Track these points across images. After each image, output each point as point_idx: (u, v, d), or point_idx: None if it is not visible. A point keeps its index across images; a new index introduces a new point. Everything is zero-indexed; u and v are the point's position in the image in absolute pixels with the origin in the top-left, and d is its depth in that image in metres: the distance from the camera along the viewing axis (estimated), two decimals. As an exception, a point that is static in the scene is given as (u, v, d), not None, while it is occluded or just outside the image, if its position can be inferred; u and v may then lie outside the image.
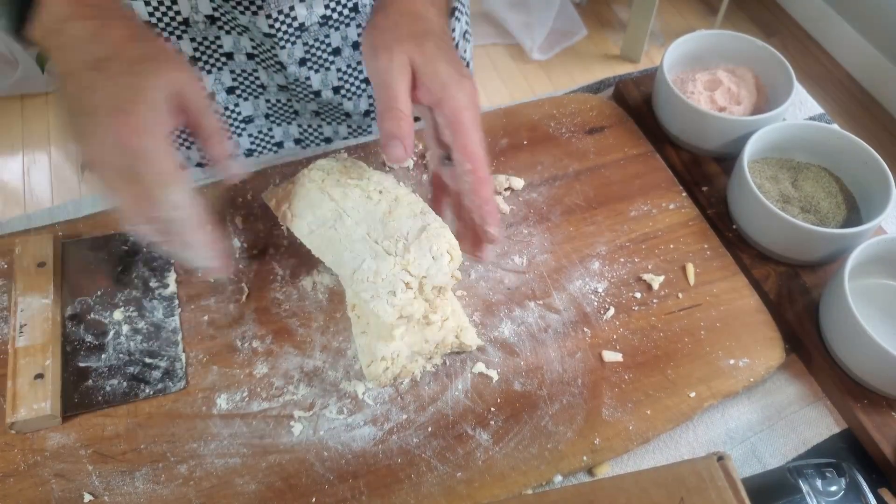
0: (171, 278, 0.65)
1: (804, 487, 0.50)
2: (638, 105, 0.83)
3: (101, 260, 0.65)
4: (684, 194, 0.74)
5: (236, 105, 0.83)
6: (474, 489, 0.55)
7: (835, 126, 0.75)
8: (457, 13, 0.83)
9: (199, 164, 0.82)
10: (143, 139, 0.48)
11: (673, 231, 0.71)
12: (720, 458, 0.47)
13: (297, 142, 0.89)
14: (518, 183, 0.73)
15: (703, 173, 0.77)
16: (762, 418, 0.62)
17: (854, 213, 0.70)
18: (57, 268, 0.64)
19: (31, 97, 2.23)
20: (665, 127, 0.80)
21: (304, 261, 0.66)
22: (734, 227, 0.72)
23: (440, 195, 0.63)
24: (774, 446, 0.60)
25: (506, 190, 0.73)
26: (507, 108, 0.81)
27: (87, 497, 0.53)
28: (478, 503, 0.54)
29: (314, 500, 0.54)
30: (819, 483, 0.50)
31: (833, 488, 0.50)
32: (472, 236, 0.59)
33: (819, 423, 0.62)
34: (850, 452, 0.60)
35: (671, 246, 0.70)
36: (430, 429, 0.58)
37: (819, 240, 0.66)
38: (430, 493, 0.54)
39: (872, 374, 0.59)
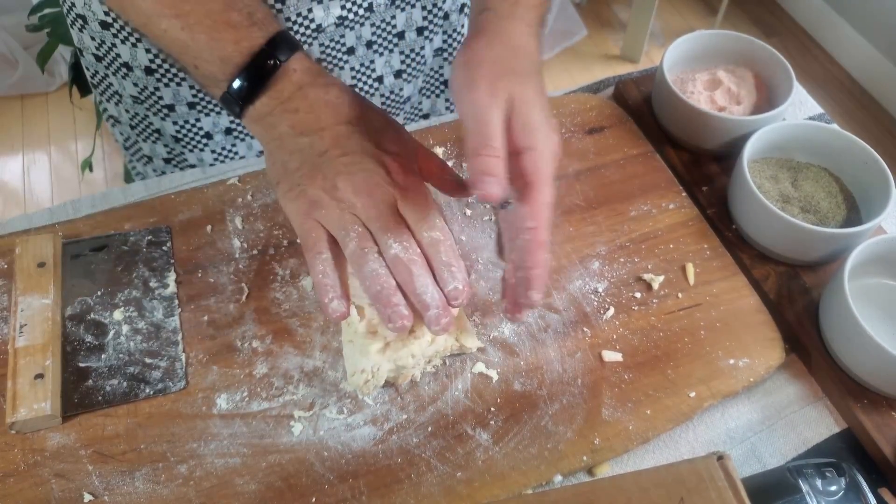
0: (171, 278, 0.65)
1: (804, 487, 0.50)
2: (638, 105, 0.83)
3: (101, 260, 0.65)
4: (684, 194, 0.75)
5: (233, 146, 0.84)
6: (474, 489, 0.55)
7: (835, 126, 0.75)
8: None
9: (190, 104, 0.83)
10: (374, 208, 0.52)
11: (673, 231, 0.71)
12: (720, 458, 0.47)
13: None
14: None
15: (703, 173, 0.77)
16: (762, 418, 0.62)
17: (854, 212, 0.70)
18: (57, 268, 0.64)
19: (31, 97, 2.23)
20: (665, 127, 0.80)
21: (304, 261, 0.66)
22: (734, 227, 0.72)
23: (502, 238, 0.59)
24: (774, 446, 0.60)
25: None
26: (506, 108, 0.81)
27: (87, 497, 0.53)
28: (478, 503, 0.54)
29: (314, 499, 0.54)
30: (819, 483, 0.50)
31: (833, 488, 0.50)
32: (510, 294, 0.55)
33: (819, 423, 0.62)
34: (850, 452, 0.60)
35: (671, 246, 0.70)
36: (430, 429, 0.58)
37: (819, 240, 0.66)
38: (430, 493, 0.54)
39: (872, 374, 0.59)
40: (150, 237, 0.67)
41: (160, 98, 0.80)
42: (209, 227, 0.69)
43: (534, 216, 0.51)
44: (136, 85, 0.79)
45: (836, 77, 2.46)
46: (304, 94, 0.53)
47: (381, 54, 0.83)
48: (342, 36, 0.77)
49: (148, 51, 0.75)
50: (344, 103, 0.54)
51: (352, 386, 0.57)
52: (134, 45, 0.74)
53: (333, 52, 0.78)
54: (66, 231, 0.67)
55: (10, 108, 2.21)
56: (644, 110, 0.82)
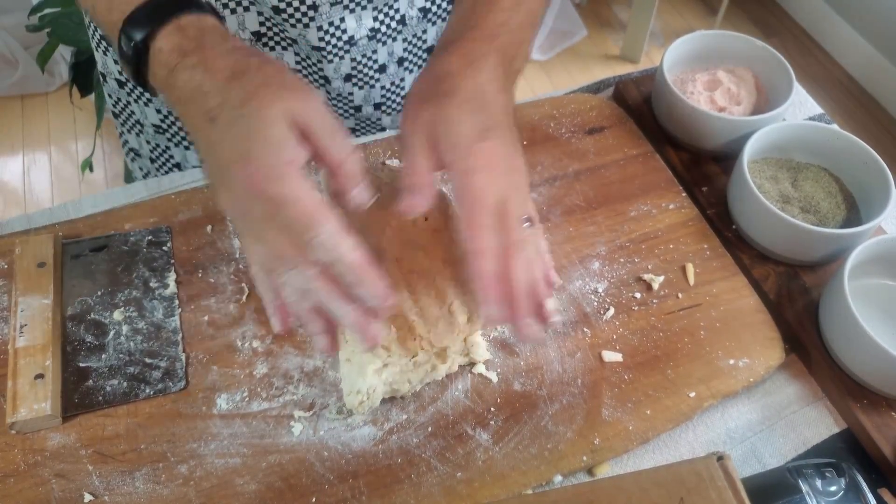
0: (171, 278, 0.65)
1: (804, 487, 0.50)
2: (638, 105, 0.83)
3: (101, 260, 0.65)
4: (684, 194, 0.75)
5: None
6: (474, 489, 0.55)
7: (834, 126, 0.75)
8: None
9: (197, 167, 0.82)
10: (276, 185, 0.45)
11: (673, 231, 0.71)
12: (720, 458, 0.47)
13: None
14: None
15: (703, 173, 0.77)
16: (762, 418, 0.62)
17: (854, 213, 0.70)
18: (57, 268, 0.64)
19: (31, 97, 2.23)
20: (665, 127, 0.80)
21: (304, 261, 0.66)
22: (734, 227, 0.72)
23: None
24: (774, 446, 0.60)
25: None
26: (506, 108, 0.81)
27: (88, 497, 0.53)
28: (478, 503, 0.54)
29: (314, 499, 0.54)
30: (819, 483, 0.50)
31: (833, 488, 0.50)
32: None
33: (819, 423, 0.62)
34: (850, 452, 0.60)
35: (671, 246, 0.70)
36: (430, 429, 0.58)
37: (819, 240, 0.66)
38: (430, 493, 0.54)
39: (872, 374, 0.59)
40: (150, 237, 0.67)
41: (181, 128, 0.79)
42: (209, 227, 0.69)
43: (465, 227, 0.48)
44: (158, 112, 0.78)
45: (836, 77, 2.46)
46: (174, 81, 0.49)
47: (412, 71, 0.82)
48: (374, 52, 0.76)
49: None
50: (209, 90, 0.48)
51: (348, 405, 0.56)
52: None
53: (365, 69, 0.77)
54: (66, 231, 0.67)
55: (11, 108, 2.21)
56: (644, 110, 0.82)
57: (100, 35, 0.74)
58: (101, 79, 0.81)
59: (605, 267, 0.68)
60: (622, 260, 0.69)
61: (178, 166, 0.81)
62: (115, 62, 0.75)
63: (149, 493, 0.54)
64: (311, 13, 0.69)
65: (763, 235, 0.69)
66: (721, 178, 0.76)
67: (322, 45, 0.72)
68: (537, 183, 0.74)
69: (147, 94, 0.76)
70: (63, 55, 2.15)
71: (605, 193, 0.74)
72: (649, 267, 0.68)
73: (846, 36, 2.44)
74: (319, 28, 0.71)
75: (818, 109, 0.87)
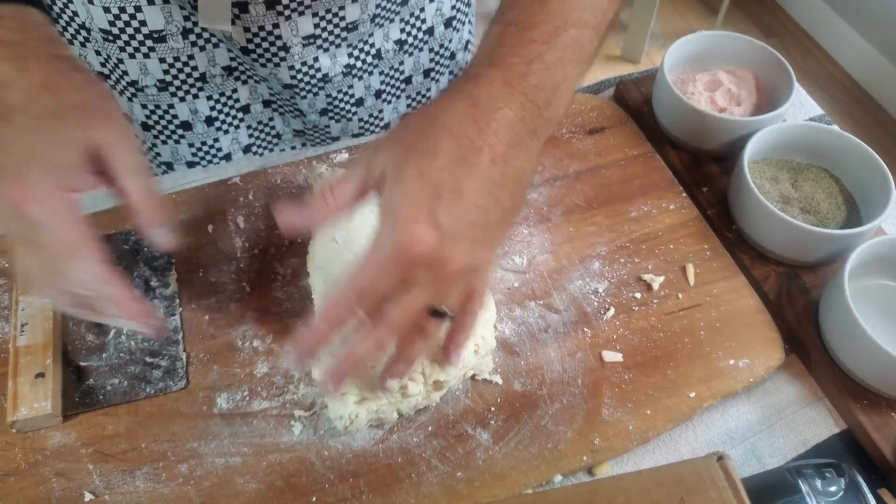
0: (172, 278, 0.65)
1: (804, 487, 0.50)
2: (638, 106, 0.83)
3: (101, 259, 0.65)
4: (684, 195, 0.75)
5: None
6: (474, 489, 0.55)
7: (835, 127, 0.76)
8: (455, 23, 0.83)
9: (189, 164, 0.82)
10: (37, 207, 0.43)
11: (673, 231, 0.71)
12: (720, 458, 0.47)
13: None
14: None
15: (703, 174, 0.77)
16: (762, 418, 0.62)
17: (854, 213, 0.70)
18: (58, 267, 0.64)
19: (31, 96, 2.23)
20: (665, 127, 0.80)
21: (305, 261, 0.66)
22: (734, 227, 0.72)
23: None
24: (774, 446, 0.60)
25: None
26: (507, 108, 0.81)
27: (88, 496, 0.53)
28: (478, 503, 0.54)
29: (314, 499, 0.54)
30: (819, 483, 0.50)
31: (833, 488, 0.50)
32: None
33: (819, 424, 0.62)
34: (850, 453, 0.60)
35: (671, 246, 0.70)
36: (430, 428, 0.58)
37: (819, 240, 0.66)
38: (430, 493, 0.54)
39: (872, 374, 0.59)
40: (150, 237, 0.67)
41: (158, 154, 0.79)
42: (210, 227, 0.69)
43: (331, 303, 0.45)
44: (144, 108, 0.78)
45: (836, 77, 2.46)
46: None
47: (390, 102, 0.81)
48: (350, 87, 0.75)
49: (144, 106, 0.73)
50: (17, 87, 0.45)
51: (335, 425, 0.56)
52: (130, 99, 0.73)
53: (341, 105, 0.76)
54: (66, 230, 0.67)
55: (11, 108, 2.21)
56: (644, 111, 0.82)
57: (76, 25, 0.73)
58: None
59: (605, 267, 0.68)
60: (622, 260, 0.69)
61: (167, 164, 0.81)
62: (97, 52, 0.74)
63: (149, 493, 0.54)
64: (281, 53, 0.68)
65: (763, 236, 0.69)
66: (721, 179, 0.76)
67: (294, 82, 0.71)
68: (537, 183, 0.74)
69: (130, 89, 0.74)
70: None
71: (605, 193, 0.74)
72: (649, 267, 0.68)
73: (846, 36, 2.44)
74: (291, 67, 0.70)
75: (818, 110, 0.87)
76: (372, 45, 0.74)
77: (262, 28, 0.66)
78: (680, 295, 0.67)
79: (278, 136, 0.81)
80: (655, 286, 0.67)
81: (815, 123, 0.74)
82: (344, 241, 0.59)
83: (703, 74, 0.81)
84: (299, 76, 0.71)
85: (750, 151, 0.69)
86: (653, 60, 2.44)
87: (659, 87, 0.79)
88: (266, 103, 0.77)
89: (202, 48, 0.69)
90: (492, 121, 0.43)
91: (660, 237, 0.71)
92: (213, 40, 0.68)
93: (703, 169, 0.77)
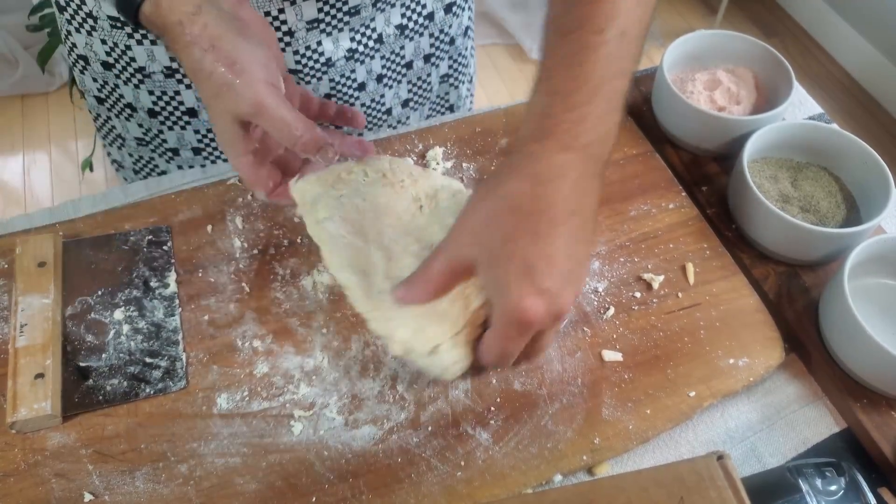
0: (172, 278, 0.65)
1: (804, 487, 0.50)
2: (637, 105, 0.83)
3: (101, 260, 0.65)
4: (684, 194, 0.75)
5: None
6: (474, 488, 0.55)
7: (834, 126, 0.75)
8: (455, 9, 0.83)
9: (195, 150, 0.82)
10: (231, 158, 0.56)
11: (673, 231, 0.71)
12: (720, 458, 0.47)
13: None
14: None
15: (703, 173, 0.77)
16: (762, 418, 0.62)
17: (853, 212, 0.70)
18: (57, 267, 0.64)
19: (31, 97, 2.23)
20: (665, 127, 0.80)
21: (304, 260, 0.66)
22: (734, 226, 0.72)
23: None
24: (774, 446, 0.60)
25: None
26: (507, 108, 0.81)
27: (88, 496, 0.53)
28: (478, 502, 0.54)
29: (314, 499, 0.54)
30: (819, 482, 0.50)
31: (833, 488, 0.50)
32: None
33: (819, 423, 0.62)
34: (850, 452, 0.60)
35: (671, 245, 0.70)
36: (430, 428, 0.58)
37: (818, 239, 0.66)
38: (430, 493, 0.54)
39: (872, 373, 0.59)
40: (150, 237, 0.67)
41: (164, 141, 0.79)
42: (209, 227, 0.69)
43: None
44: (140, 126, 0.79)
45: (836, 77, 2.46)
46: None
47: (391, 87, 0.82)
48: (353, 71, 0.76)
49: (151, 93, 0.75)
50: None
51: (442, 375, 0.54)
52: (136, 86, 0.74)
53: (344, 89, 0.78)
54: (66, 231, 0.67)
55: (11, 108, 2.21)
56: (644, 110, 0.82)
57: (76, 55, 0.74)
58: (81, 96, 0.81)
59: (605, 266, 0.68)
60: (622, 259, 0.69)
61: (173, 150, 0.82)
62: (94, 80, 0.75)
63: (149, 493, 0.54)
64: (286, 38, 0.69)
65: (763, 235, 0.69)
66: (721, 178, 0.76)
67: (299, 67, 0.72)
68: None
69: (127, 111, 0.76)
70: (63, 55, 2.15)
71: (605, 193, 0.73)
72: (649, 266, 0.68)
73: (846, 36, 2.44)
74: (296, 52, 0.71)
75: (818, 109, 0.87)
76: (374, 30, 0.75)
77: (268, 13, 0.67)
78: (680, 294, 0.66)
79: None
80: (655, 285, 0.67)
81: (815, 122, 0.74)
82: (351, 233, 0.59)
83: (702, 73, 0.81)
84: (304, 61, 0.72)
85: (749, 150, 0.69)
86: (652, 59, 2.42)
87: (658, 87, 0.79)
88: None
89: None
90: (558, 190, 0.46)
91: (659, 236, 0.71)
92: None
93: (703, 168, 0.77)
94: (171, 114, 0.76)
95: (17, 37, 2.14)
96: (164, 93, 0.75)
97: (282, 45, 0.70)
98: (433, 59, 0.84)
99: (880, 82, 2.35)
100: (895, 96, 2.31)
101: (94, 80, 0.75)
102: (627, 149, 0.78)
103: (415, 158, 0.75)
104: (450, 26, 0.82)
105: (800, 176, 0.73)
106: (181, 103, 0.76)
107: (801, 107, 0.87)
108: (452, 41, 0.84)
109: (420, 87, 0.86)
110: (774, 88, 0.78)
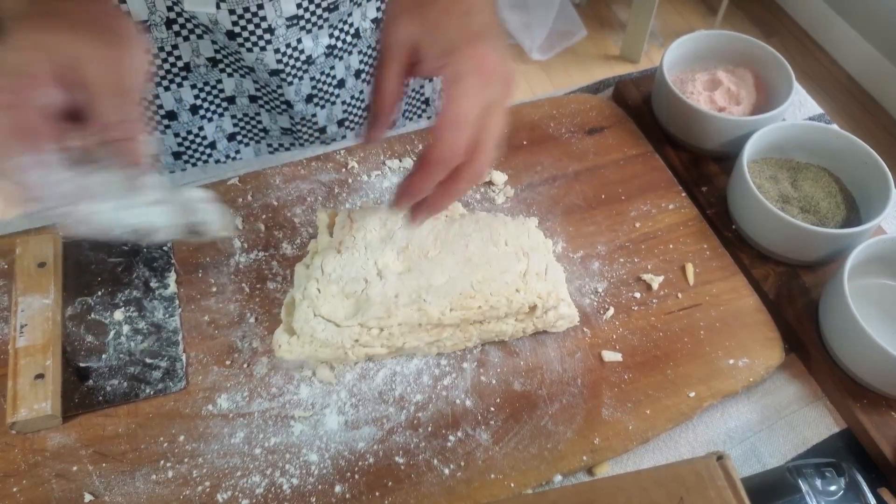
0: (172, 278, 0.65)
1: (804, 487, 0.50)
2: (638, 105, 0.83)
3: (101, 260, 0.65)
4: (684, 194, 0.75)
5: (237, 151, 0.84)
6: (474, 489, 0.55)
7: (834, 126, 0.75)
8: None
9: (175, 154, 0.81)
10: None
11: (672, 231, 0.71)
12: (720, 458, 0.47)
13: None
14: (499, 177, 0.73)
15: (703, 173, 0.77)
16: (762, 418, 0.62)
17: (853, 213, 0.70)
18: (57, 268, 0.64)
19: (31, 97, 2.23)
20: (665, 127, 0.80)
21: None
22: (733, 227, 0.72)
23: None
24: (774, 446, 0.60)
25: (488, 184, 0.73)
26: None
27: (88, 497, 0.53)
28: (478, 503, 0.54)
29: (314, 499, 0.54)
30: (818, 482, 0.50)
31: (832, 488, 0.50)
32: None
33: (818, 423, 0.62)
34: (850, 452, 0.60)
35: (671, 246, 0.70)
36: (430, 429, 0.58)
37: (818, 240, 0.66)
38: (430, 493, 0.54)
39: (872, 374, 0.59)
40: (150, 237, 0.67)
41: (161, 106, 0.79)
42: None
43: (437, 135, 0.48)
44: None
45: (836, 77, 2.46)
46: None
47: (369, 82, 0.83)
48: (332, 67, 0.77)
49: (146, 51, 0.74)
50: None
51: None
52: None
53: (325, 87, 0.78)
54: (66, 231, 0.67)
55: (11, 109, 2.21)
56: (644, 110, 0.82)
57: None
58: None
59: (604, 267, 0.68)
60: (622, 260, 0.69)
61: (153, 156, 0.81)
62: None
63: (149, 493, 0.54)
64: (267, 36, 0.69)
65: (763, 235, 0.69)
66: (721, 178, 0.76)
67: (280, 66, 0.72)
68: (537, 183, 0.74)
69: None
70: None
71: (605, 193, 0.74)
72: (649, 267, 0.68)
73: (846, 36, 2.44)
74: (276, 50, 0.71)
75: (818, 109, 0.87)
76: (351, 25, 0.75)
77: (247, 10, 0.67)
78: (679, 295, 0.66)
79: (265, 130, 0.82)
80: (655, 286, 0.67)
81: (815, 123, 0.74)
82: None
83: (702, 74, 0.81)
84: (285, 59, 0.72)
85: (749, 151, 0.69)
86: (652, 60, 2.44)
87: (658, 87, 0.79)
88: (252, 98, 0.78)
89: (186, 38, 0.70)
90: None
91: (659, 237, 0.71)
92: (198, 31, 0.69)
93: (703, 168, 0.77)
94: (150, 118, 0.76)
95: (17, 37, 2.13)
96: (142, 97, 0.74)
97: (262, 43, 0.69)
98: None
99: (880, 82, 2.35)
100: (895, 96, 2.31)
101: None
102: (627, 149, 0.78)
103: (415, 158, 0.75)
104: None
105: (800, 176, 0.73)
106: (160, 107, 0.75)
107: (801, 107, 0.87)
108: None
109: None
110: (774, 89, 0.78)
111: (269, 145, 0.84)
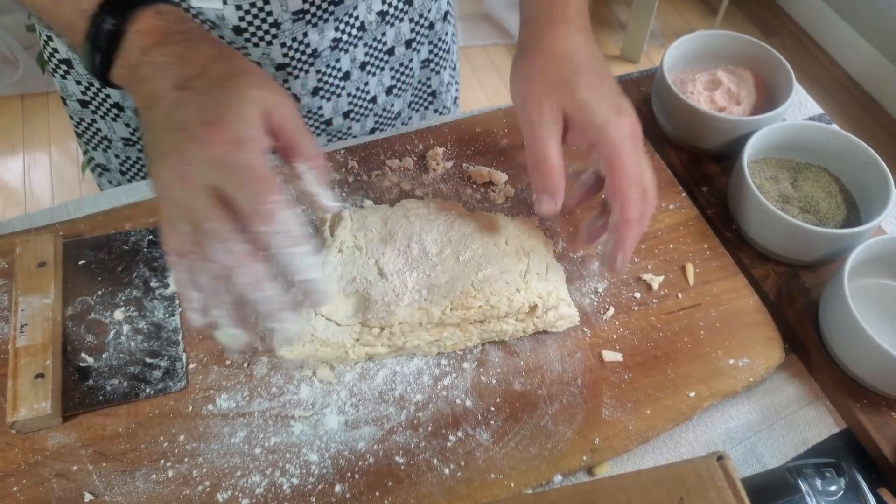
0: (172, 278, 0.65)
1: (804, 487, 0.50)
2: (638, 105, 0.83)
3: (101, 260, 0.65)
4: (684, 194, 0.75)
5: None
6: (474, 489, 0.55)
7: (834, 126, 0.75)
8: None
9: None
10: (239, 150, 0.44)
11: (672, 231, 0.71)
12: (720, 458, 0.47)
13: None
14: (499, 177, 0.73)
15: (703, 173, 0.77)
16: (762, 418, 0.62)
17: (853, 213, 0.70)
18: (57, 267, 0.64)
19: (31, 97, 2.23)
20: (665, 127, 0.80)
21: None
22: (733, 227, 0.72)
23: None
24: (774, 446, 0.60)
25: (488, 184, 0.73)
26: (507, 108, 0.80)
27: (88, 497, 0.53)
28: (478, 503, 0.54)
29: (314, 499, 0.54)
30: (818, 483, 0.50)
31: (832, 488, 0.50)
32: (605, 259, 0.61)
33: (818, 423, 0.62)
34: (850, 452, 0.60)
35: (671, 246, 0.70)
36: (430, 428, 0.58)
37: (818, 240, 0.66)
38: (430, 493, 0.54)
39: (872, 374, 0.59)
40: (150, 237, 0.67)
41: None
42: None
43: (618, 196, 0.56)
44: (127, 126, 0.78)
45: (836, 77, 2.46)
46: (148, 59, 0.48)
47: (374, 74, 0.83)
48: (337, 60, 0.77)
49: None
50: (190, 62, 0.48)
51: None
52: None
53: (330, 80, 0.78)
54: (66, 231, 0.67)
55: (11, 108, 2.21)
56: (644, 110, 0.82)
57: (58, 59, 0.74)
58: (62, 102, 0.81)
59: (604, 267, 0.68)
60: (622, 260, 0.69)
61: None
62: (78, 83, 0.75)
63: (149, 493, 0.54)
64: (273, 31, 0.69)
65: (763, 235, 0.69)
66: (721, 178, 0.76)
67: (287, 60, 0.72)
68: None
69: (114, 111, 0.76)
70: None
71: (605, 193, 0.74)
72: (649, 267, 0.68)
73: (846, 36, 2.44)
74: (283, 45, 0.71)
75: (818, 109, 0.87)
76: (356, 18, 0.75)
77: (253, 5, 0.67)
78: (679, 295, 0.66)
79: None
80: (655, 286, 0.67)
81: (815, 123, 0.74)
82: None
83: (702, 74, 0.81)
84: (291, 53, 0.72)
85: (749, 151, 0.69)
86: (652, 60, 2.44)
87: (658, 87, 0.79)
88: None
89: None
90: (585, 48, 0.57)
91: (659, 237, 0.71)
92: (204, 27, 0.69)
93: (703, 168, 0.77)
94: None
95: (17, 37, 2.14)
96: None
97: (268, 38, 0.70)
98: (414, 45, 0.84)
99: (880, 82, 2.36)
100: (895, 96, 2.31)
101: (79, 82, 0.75)
102: (627, 149, 0.78)
103: (415, 159, 0.75)
104: (429, 11, 0.83)
105: (800, 176, 0.73)
106: None
107: (801, 107, 0.87)
108: (432, 26, 0.85)
109: (402, 73, 0.87)
110: (774, 89, 0.78)
111: None
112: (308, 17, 0.71)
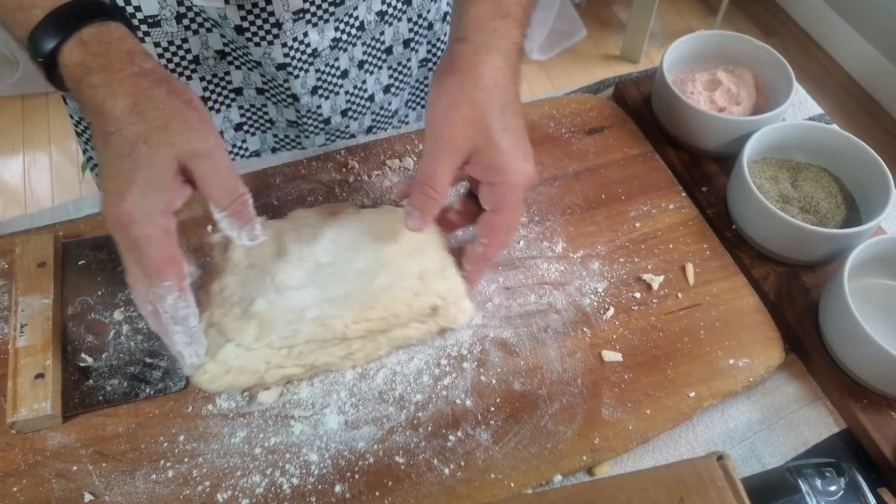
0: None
1: (804, 487, 0.50)
2: (638, 105, 0.83)
3: (101, 260, 0.65)
4: (684, 194, 0.75)
5: (244, 141, 0.84)
6: (474, 489, 0.55)
7: (834, 126, 0.75)
8: None
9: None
10: (135, 228, 0.49)
11: (672, 231, 0.71)
12: (720, 458, 0.47)
13: None
14: None
15: (703, 173, 0.77)
16: (762, 418, 0.62)
17: (853, 213, 0.70)
18: (57, 268, 0.64)
19: (31, 97, 2.23)
20: (665, 127, 0.80)
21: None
22: (733, 227, 0.72)
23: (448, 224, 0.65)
24: (774, 446, 0.60)
25: None
26: (507, 108, 0.81)
27: (88, 497, 0.53)
28: (478, 503, 0.54)
29: (314, 499, 0.54)
30: (818, 483, 0.50)
31: (832, 488, 0.50)
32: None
33: (818, 423, 0.62)
34: (850, 452, 0.60)
35: (671, 246, 0.70)
36: (430, 428, 0.58)
37: (818, 240, 0.66)
38: (429, 493, 0.54)
39: (872, 373, 0.59)
40: (150, 237, 0.67)
41: None
42: (209, 227, 0.69)
43: (490, 237, 0.59)
44: None
45: (836, 77, 2.46)
46: (79, 94, 0.51)
47: (372, 73, 0.83)
48: (336, 59, 0.77)
49: (157, 44, 0.74)
50: (108, 116, 0.50)
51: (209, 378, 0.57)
52: (140, 40, 0.74)
53: (329, 78, 0.78)
54: (66, 231, 0.67)
55: (11, 108, 2.21)
56: (644, 110, 0.82)
57: None
58: (63, 101, 0.81)
59: (604, 267, 0.68)
60: (622, 260, 0.69)
61: None
62: None
63: (149, 493, 0.54)
64: (274, 31, 0.70)
65: (763, 235, 0.69)
66: (721, 178, 0.76)
67: (287, 60, 0.73)
68: (537, 183, 0.74)
69: None
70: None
71: (605, 193, 0.74)
72: (649, 267, 0.68)
73: (846, 36, 2.44)
74: (284, 45, 0.71)
75: (818, 109, 0.87)
76: (356, 18, 0.76)
77: (255, 5, 0.67)
78: (679, 295, 0.67)
79: (271, 121, 0.83)
80: (655, 286, 0.67)
81: (815, 123, 0.74)
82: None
83: (702, 74, 0.81)
84: (291, 53, 0.72)
85: (749, 151, 0.69)
86: (652, 60, 2.44)
87: (658, 87, 0.79)
88: (259, 91, 0.79)
89: (195, 32, 0.70)
90: (506, 88, 0.57)
91: (659, 237, 0.71)
92: (207, 25, 0.70)
93: (703, 168, 0.77)
94: (178, 64, 0.76)
95: (17, 37, 2.13)
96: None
97: (269, 37, 0.70)
98: (412, 44, 0.85)
99: (880, 82, 2.36)
100: (895, 96, 2.31)
101: None
102: (627, 149, 0.78)
103: (415, 158, 0.75)
104: (428, 11, 0.83)
105: (800, 176, 0.73)
106: None
107: (801, 107, 0.87)
108: (431, 26, 0.85)
109: (400, 73, 0.87)
110: (774, 89, 0.78)
111: (275, 136, 0.85)
112: (308, 16, 0.71)
